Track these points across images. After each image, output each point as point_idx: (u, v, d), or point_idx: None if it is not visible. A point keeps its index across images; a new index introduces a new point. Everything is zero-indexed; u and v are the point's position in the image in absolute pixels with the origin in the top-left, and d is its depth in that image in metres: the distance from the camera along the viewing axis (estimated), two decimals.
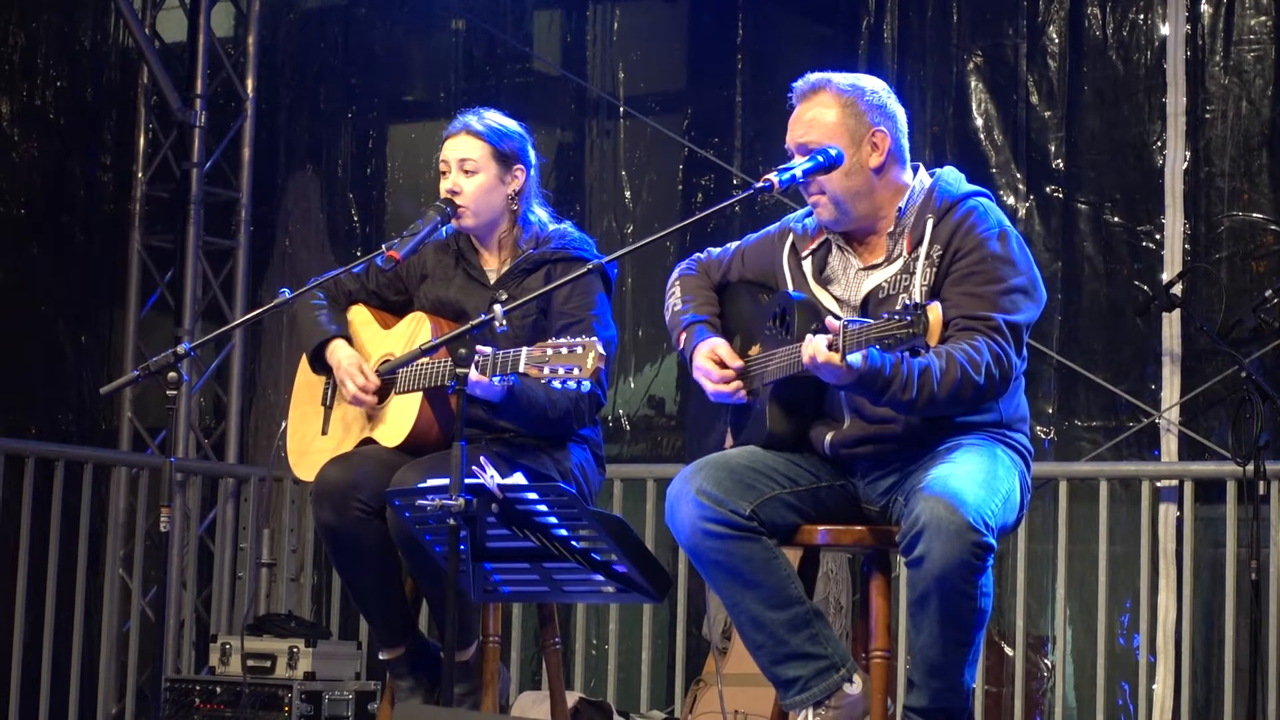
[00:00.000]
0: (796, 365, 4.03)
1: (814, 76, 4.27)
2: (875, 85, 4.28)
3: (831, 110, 4.21)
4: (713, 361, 4.29)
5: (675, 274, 4.57)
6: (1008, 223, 4.20)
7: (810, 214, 4.36)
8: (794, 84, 4.28)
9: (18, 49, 7.53)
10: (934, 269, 4.14)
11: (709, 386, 4.29)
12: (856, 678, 4.15)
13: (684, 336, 4.41)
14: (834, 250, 4.30)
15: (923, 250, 4.16)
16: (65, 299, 7.69)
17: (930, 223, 4.18)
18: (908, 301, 3.79)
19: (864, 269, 4.25)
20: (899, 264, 4.19)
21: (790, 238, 4.38)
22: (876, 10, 7.21)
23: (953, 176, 4.28)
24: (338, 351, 4.88)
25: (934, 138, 7.07)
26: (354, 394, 4.81)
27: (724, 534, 4.10)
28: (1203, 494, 6.47)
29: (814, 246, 4.33)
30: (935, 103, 7.13)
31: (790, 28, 7.62)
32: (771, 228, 4.48)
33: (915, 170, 4.28)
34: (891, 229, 4.23)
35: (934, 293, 4.12)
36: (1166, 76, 6.70)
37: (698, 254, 4.58)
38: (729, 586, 4.13)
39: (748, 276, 4.47)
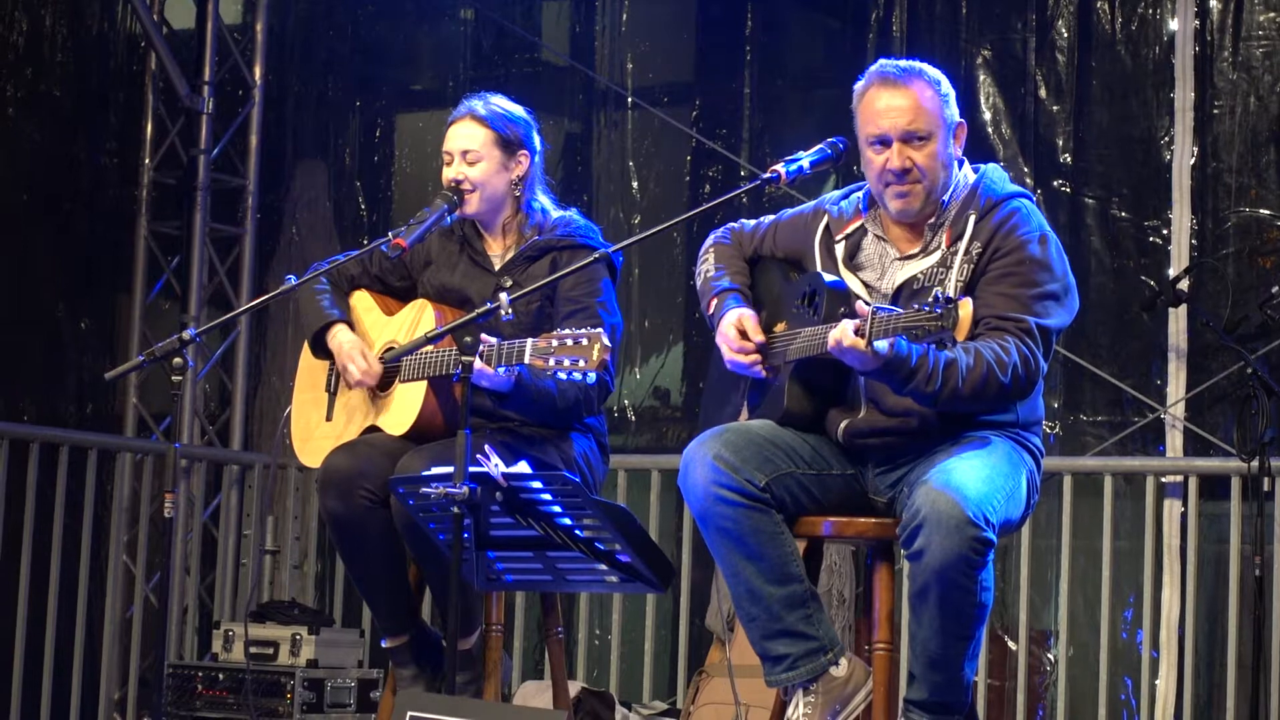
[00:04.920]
0: (820, 347, 4.02)
1: (903, 62, 4.21)
2: (943, 76, 4.26)
3: (933, 99, 4.17)
4: (736, 330, 4.28)
5: (709, 241, 4.56)
6: (1048, 227, 4.18)
7: (845, 197, 4.35)
8: (870, 68, 4.22)
9: (24, 34, 7.53)
10: (971, 265, 4.13)
11: (727, 353, 4.29)
12: (843, 661, 4.15)
13: (714, 302, 4.40)
14: (869, 237, 4.28)
15: (962, 245, 4.14)
16: (68, 285, 7.68)
17: (972, 219, 4.16)
18: (940, 294, 3.76)
19: (900, 258, 4.23)
20: (936, 256, 4.18)
21: (825, 219, 4.36)
22: (885, 3, 7.20)
23: (997, 175, 4.26)
24: (338, 336, 4.89)
25: None
26: (357, 379, 4.82)
27: (736, 502, 4.10)
28: (1207, 490, 6.47)
29: (849, 231, 4.31)
30: None
31: (799, 20, 7.62)
32: (806, 206, 4.46)
33: (960, 164, 4.27)
34: (932, 219, 4.21)
35: (969, 289, 4.10)
36: (1175, 72, 6.69)
37: (731, 223, 4.56)
38: (731, 555, 4.13)
39: (779, 254, 4.45)
